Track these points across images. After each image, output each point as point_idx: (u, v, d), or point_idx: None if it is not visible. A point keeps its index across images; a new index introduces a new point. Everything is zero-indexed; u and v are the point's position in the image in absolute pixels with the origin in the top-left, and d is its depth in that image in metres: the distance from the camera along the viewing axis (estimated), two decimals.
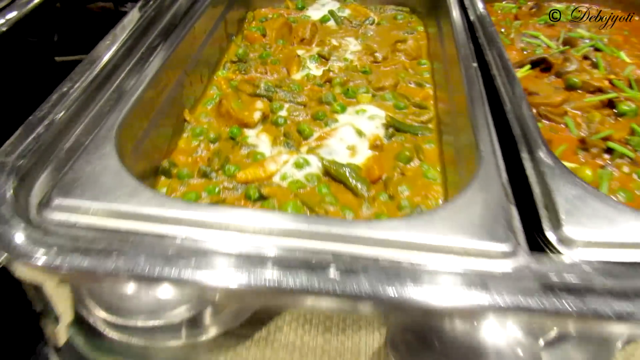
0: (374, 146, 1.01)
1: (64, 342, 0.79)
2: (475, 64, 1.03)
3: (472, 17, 1.29)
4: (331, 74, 1.23)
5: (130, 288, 0.59)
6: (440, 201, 0.90)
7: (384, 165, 0.97)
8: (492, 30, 1.19)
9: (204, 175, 0.94)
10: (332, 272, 0.58)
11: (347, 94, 1.17)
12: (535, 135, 0.84)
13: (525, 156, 0.81)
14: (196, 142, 1.03)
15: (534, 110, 1.06)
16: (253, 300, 0.61)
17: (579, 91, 1.16)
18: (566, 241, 0.65)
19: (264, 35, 1.43)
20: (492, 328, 0.61)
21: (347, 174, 0.92)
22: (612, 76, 1.18)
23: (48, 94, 0.90)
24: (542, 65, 1.24)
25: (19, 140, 0.76)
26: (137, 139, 0.89)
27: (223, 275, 0.57)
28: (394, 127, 1.06)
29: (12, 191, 0.66)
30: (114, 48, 1.07)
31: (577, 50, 1.30)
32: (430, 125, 1.09)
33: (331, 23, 1.52)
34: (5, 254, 0.59)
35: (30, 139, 0.76)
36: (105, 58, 1.01)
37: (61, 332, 0.77)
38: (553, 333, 0.63)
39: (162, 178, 0.95)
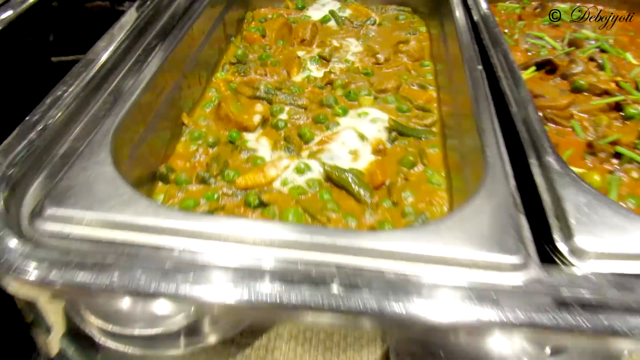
0: (376, 151, 0.99)
1: (56, 353, 0.76)
2: (480, 67, 1.00)
3: (475, 18, 1.27)
4: (332, 75, 1.21)
5: (125, 303, 0.57)
6: (445, 208, 0.88)
7: (387, 170, 0.94)
8: (497, 31, 1.16)
9: (203, 181, 0.91)
10: (336, 288, 0.56)
11: (348, 96, 1.14)
12: (543, 140, 0.82)
13: (533, 162, 0.79)
14: (194, 147, 1.00)
15: (540, 114, 1.03)
16: (253, 316, 0.59)
17: (585, 94, 1.13)
18: (578, 252, 0.63)
19: (263, 36, 1.40)
20: (502, 343, 0.58)
21: (350, 180, 0.89)
22: (618, 78, 1.15)
23: (44, 95, 0.87)
24: (547, 67, 1.22)
25: (10, 146, 0.73)
26: (134, 143, 0.87)
27: (222, 291, 0.55)
28: (397, 131, 1.03)
29: (2, 202, 0.64)
30: (110, 49, 1.04)
31: (583, 52, 1.28)
32: (434, 129, 1.07)
33: (332, 23, 1.50)
34: None
35: (22, 145, 0.73)
36: (102, 60, 0.99)
37: (53, 343, 0.75)
38: (564, 347, 0.61)
39: (160, 184, 0.92)
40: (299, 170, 0.93)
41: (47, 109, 0.82)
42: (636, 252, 0.62)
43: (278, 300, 0.55)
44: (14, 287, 0.57)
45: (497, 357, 0.61)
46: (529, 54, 1.30)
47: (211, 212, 0.84)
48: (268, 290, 0.55)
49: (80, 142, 0.78)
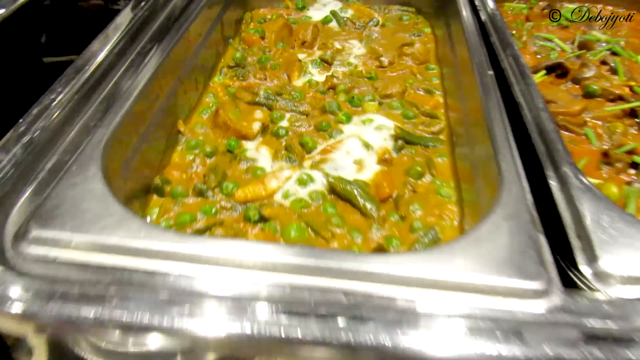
0: (382, 160, 0.94)
1: None
2: (491, 72, 0.96)
3: (483, 18, 1.22)
4: (335, 80, 1.16)
5: (116, 336, 0.52)
6: (455, 222, 0.83)
7: (394, 181, 0.90)
8: (507, 33, 1.12)
9: (200, 193, 0.86)
10: (343, 321, 0.51)
11: (352, 102, 1.10)
12: (561, 151, 0.77)
13: (550, 174, 0.75)
14: (191, 156, 0.96)
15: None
16: (255, 352, 0.54)
17: (598, 99, 1.09)
18: (603, 276, 0.59)
19: (262, 38, 1.35)
20: None
21: (355, 193, 0.85)
22: (632, 83, 1.11)
23: (36, 98, 0.83)
24: (557, 70, 1.18)
25: None
26: (127, 155, 0.82)
27: (220, 325, 0.51)
28: (404, 139, 0.99)
29: None
30: (102, 54, 1.00)
31: (594, 54, 1.23)
32: (441, 137, 1.02)
33: (333, 24, 1.45)
34: None
35: (6, 160, 0.69)
36: (93, 65, 0.94)
37: None
38: None
39: (155, 197, 0.87)
40: (301, 182, 0.88)
41: (33, 120, 0.77)
42: None
43: (283, 335, 0.50)
44: None
45: None
46: (538, 56, 1.25)
47: (209, 227, 0.80)
48: (272, 324, 0.51)
49: (69, 155, 0.74)
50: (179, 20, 1.17)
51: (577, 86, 1.13)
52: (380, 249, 0.76)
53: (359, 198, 0.85)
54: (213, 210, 0.83)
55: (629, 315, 0.54)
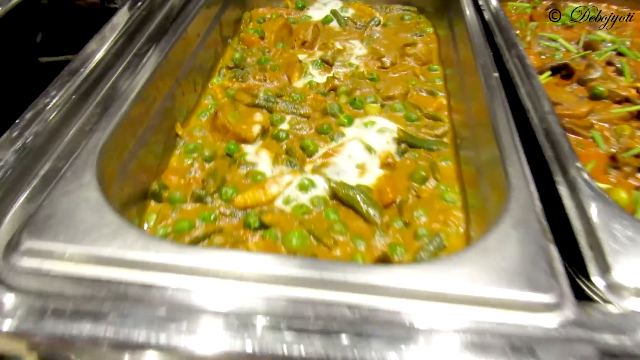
0: (385, 164, 0.92)
1: None
2: (496, 74, 0.94)
3: (487, 17, 1.20)
4: (336, 81, 1.14)
5: (112, 355, 0.50)
6: (461, 229, 0.81)
7: (398, 186, 0.88)
8: (512, 33, 1.10)
9: (199, 199, 0.84)
10: (347, 338, 0.49)
11: (353, 104, 1.07)
12: (569, 155, 0.75)
13: (559, 179, 0.73)
14: (189, 161, 0.93)
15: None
16: None
17: (605, 101, 1.07)
18: (616, 288, 0.57)
19: (262, 38, 1.33)
20: None
21: (358, 198, 0.83)
22: (639, 84, 1.09)
23: (31, 99, 0.80)
24: (563, 71, 1.15)
25: None
26: (123, 160, 0.80)
27: (220, 342, 0.48)
28: (407, 142, 0.97)
29: None
30: (98, 55, 0.97)
31: (599, 55, 1.21)
32: (445, 140, 1.00)
33: (334, 24, 1.42)
34: None
35: None
36: (89, 68, 0.92)
37: None
38: None
39: (152, 202, 0.85)
40: (303, 187, 0.86)
41: (27, 124, 0.75)
42: None
43: (286, 353, 0.48)
44: None
45: None
46: (543, 57, 1.23)
47: (208, 235, 0.78)
48: (273, 340, 0.48)
49: (64, 161, 0.71)
50: (176, 20, 1.14)
51: (583, 87, 1.11)
52: (384, 258, 0.74)
53: (361, 204, 0.82)
54: (212, 217, 0.81)
55: None
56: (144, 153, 0.86)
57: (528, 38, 1.30)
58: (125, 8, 1.22)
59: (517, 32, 1.34)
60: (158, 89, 0.95)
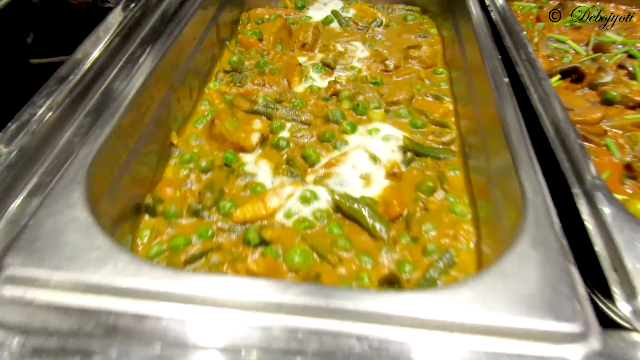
0: (391, 174, 0.88)
1: None
2: (507, 80, 0.89)
3: (494, 17, 1.16)
4: (338, 86, 1.09)
5: None
6: (471, 244, 0.77)
7: (404, 198, 0.84)
8: (521, 35, 1.05)
9: (195, 213, 0.80)
10: None
11: (356, 110, 1.03)
12: (586, 166, 0.71)
13: (576, 191, 0.69)
14: (185, 171, 0.89)
15: None
16: None
17: (617, 106, 1.03)
18: None
19: (260, 40, 1.28)
20: None
21: (363, 212, 0.78)
22: None
23: (22, 102, 0.76)
24: (572, 75, 1.11)
25: None
26: (114, 174, 0.75)
27: None
28: (413, 151, 0.93)
29: None
30: (90, 60, 0.93)
31: (609, 57, 1.17)
32: (453, 147, 0.96)
33: (335, 25, 1.38)
34: None
35: None
36: (78, 75, 0.87)
37: None
38: None
39: (146, 217, 0.81)
40: (305, 200, 0.82)
41: (11, 137, 0.71)
42: None
43: None
44: None
45: None
46: (551, 59, 1.19)
47: (205, 252, 0.73)
48: None
49: (50, 177, 0.67)
50: (172, 22, 1.10)
51: (594, 92, 1.07)
52: (392, 277, 0.70)
53: (367, 218, 0.78)
54: (209, 233, 0.77)
55: None
56: (136, 165, 0.82)
57: (535, 39, 1.26)
58: (119, 8, 1.17)
59: (524, 33, 1.29)
60: (152, 95, 0.90)
